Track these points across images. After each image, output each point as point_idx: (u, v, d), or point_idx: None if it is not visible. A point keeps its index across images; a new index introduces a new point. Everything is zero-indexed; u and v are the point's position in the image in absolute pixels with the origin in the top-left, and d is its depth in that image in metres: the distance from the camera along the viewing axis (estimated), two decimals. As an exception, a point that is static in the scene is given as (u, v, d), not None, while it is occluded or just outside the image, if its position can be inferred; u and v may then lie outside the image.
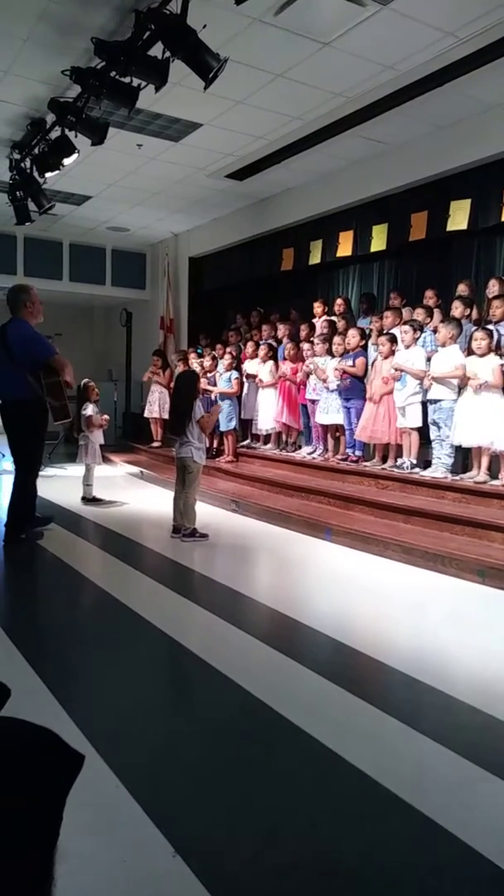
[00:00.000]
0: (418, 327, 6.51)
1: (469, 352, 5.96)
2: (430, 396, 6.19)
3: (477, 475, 5.84)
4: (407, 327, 6.51)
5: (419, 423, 6.39)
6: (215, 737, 2.53)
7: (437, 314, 6.93)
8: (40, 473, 5.68)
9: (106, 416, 7.35)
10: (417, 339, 6.45)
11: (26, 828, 0.90)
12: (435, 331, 6.45)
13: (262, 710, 2.71)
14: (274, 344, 8.68)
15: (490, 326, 5.96)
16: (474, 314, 6.57)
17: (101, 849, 1.86)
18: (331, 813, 2.08)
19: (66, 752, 1.01)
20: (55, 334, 14.62)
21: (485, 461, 5.82)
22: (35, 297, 5.35)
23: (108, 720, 2.62)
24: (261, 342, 8.83)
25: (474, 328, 6.07)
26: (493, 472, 5.79)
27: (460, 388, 5.99)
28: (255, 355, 8.73)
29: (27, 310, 5.28)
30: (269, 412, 8.52)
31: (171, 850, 1.85)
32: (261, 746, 2.47)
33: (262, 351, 8.51)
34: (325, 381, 7.38)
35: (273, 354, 8.47)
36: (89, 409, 7.06)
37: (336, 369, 7.17)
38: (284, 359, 8.28)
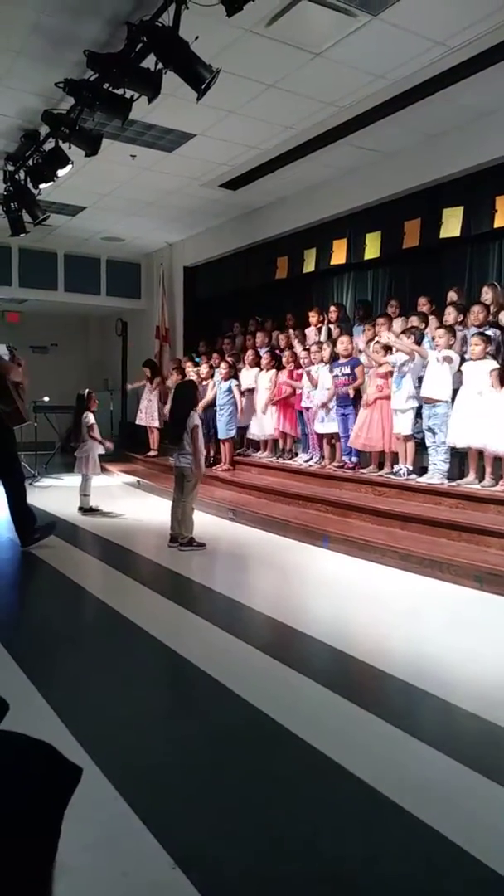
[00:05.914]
0: (419, 335, 6.51)
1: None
2: (423, 394, 6.18)
3: (473, 480, 5.84)
4: (404, 335, 6.52)
5: (409, 431, 6.38)
6: (214, 747, 2.52)
7: (432, 321, 6.95)
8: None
9: (110, 445, 7.35)
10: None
11: (24, 842, 0.89)
12: (433, 337, 6.45)
13: (261, 719, 2.70)
14: (277, 352, 8.66)
15: (489, 332, 5.98)
16: (468, 320, 6.58)
17: (100, 862, 1.85)
18: (331, 822, 2.07)
19: (64, 765, 1.01)
20: (51, 345, 14.79)
21: (488, 467, 5.78)
22: None
23: (106, 732, 2.61)
24: (261, 351, 8.82)
25: (472, 333, 6.10)
26: (495, 477, 5.75)
27: (455, 392, 6.01)
28: (252, 364, 8.73)
29: None
30: (265, 419, 8.52)
31: (170, 862, 1.83)
32: (260, 756, 2.46)
33: (265, 359, 8.51)
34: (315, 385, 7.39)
35: (276, 363, 8.47)
36: (90, 419, 7.07)
37: (336, 378, 7.17)
38: (283, 366, 8.29)
